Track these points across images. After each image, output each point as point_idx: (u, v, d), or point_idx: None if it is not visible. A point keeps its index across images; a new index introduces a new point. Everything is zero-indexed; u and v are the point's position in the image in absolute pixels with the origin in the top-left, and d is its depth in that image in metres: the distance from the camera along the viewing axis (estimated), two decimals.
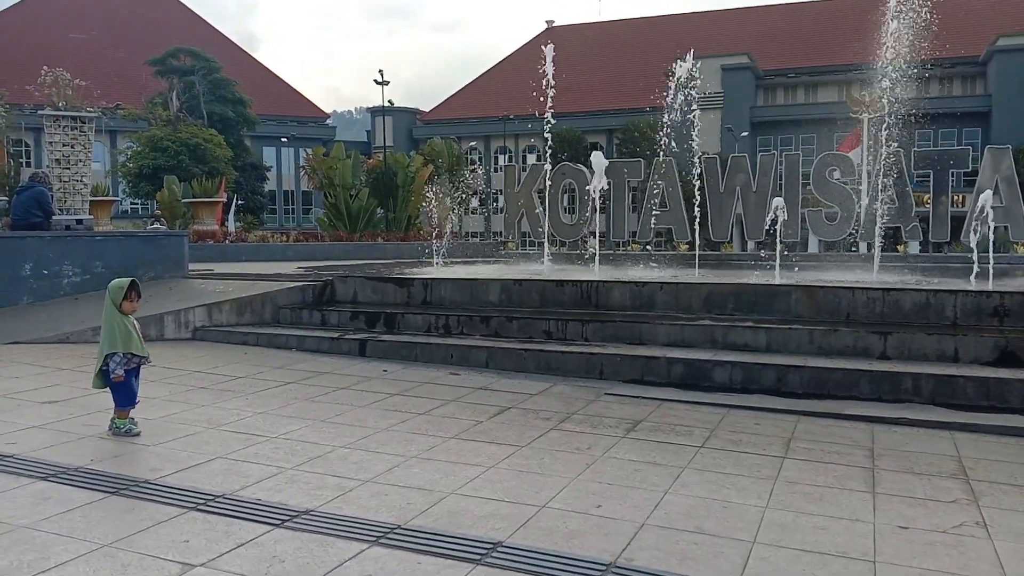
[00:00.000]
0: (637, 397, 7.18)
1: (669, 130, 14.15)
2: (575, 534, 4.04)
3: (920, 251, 28.49)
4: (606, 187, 13.81)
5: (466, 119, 74.13)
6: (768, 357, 7.68)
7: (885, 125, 14.70)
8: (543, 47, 15.80)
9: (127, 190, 41.89)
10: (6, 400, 6.65)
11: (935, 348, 7.52)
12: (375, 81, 40.10)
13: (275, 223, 66.93)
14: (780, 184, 15.64)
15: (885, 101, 12.58)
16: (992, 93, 58.05)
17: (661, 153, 15.53)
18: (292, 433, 5.85)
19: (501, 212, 72.81)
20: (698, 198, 14.44)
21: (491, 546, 3.87)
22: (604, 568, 3.66)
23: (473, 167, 67.04)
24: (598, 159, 13.28)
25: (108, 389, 5.75)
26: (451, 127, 72.36)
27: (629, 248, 18.19)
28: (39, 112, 11.21)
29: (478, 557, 3.74)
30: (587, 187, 13.49)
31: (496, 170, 73.59)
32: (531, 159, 71.75)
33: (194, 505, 4.35)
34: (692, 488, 4.79)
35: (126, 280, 5.80)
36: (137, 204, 56.24)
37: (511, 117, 58.42)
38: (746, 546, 3.95)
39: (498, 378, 7.99)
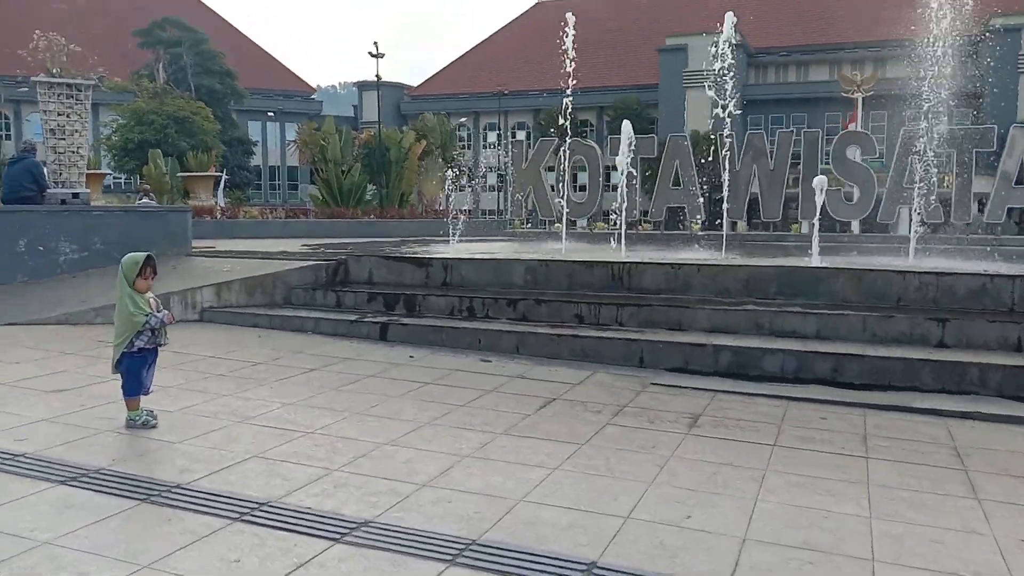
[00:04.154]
0: (686, 388, 6.75)
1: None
2: (674, 551, 3.60)
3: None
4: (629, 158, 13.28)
5: (455, 95, 73.04)
6: (820, 345, 7.25)
7: (906, 104, 14.30)
8: (563, 22, 15.21)
9: (112, 164, 40.86)
10: (9, 389, 6.11)
11: (997, 336, 7.12)
12: (370, 54, 39.20)
13: (260, 199, 65.85)
14: (798, 163, 15.19)
15: (931, 77, 12.05)
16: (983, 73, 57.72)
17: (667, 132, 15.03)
18: (329, 427, 5.37)
19: (491, 190, 71.91)
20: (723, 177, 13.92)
21: (585, 567, 3.42)
22: None
23: (462, 144, 66.21)
24: (627, 128, 12.70)
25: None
26: (440, 103, 71.26)
27: (639, 227, 17.74)
28: (32, 79, 10.55)
29: None
30: (619, 158, 12.92)
31: (485, 147, 72.80)
32: (520, 135, 71.11)
33: (237, 515, 3.87)
34: (781, 494, 4.36)
35: (141, 255, 5.27)
36: (120, 179, 55.11)
37: (505, 92, 57.62)
38: (866, 566, 3.53)
39: (532, 365, 7.52)
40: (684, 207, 15.90)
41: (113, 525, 3.72)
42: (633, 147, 13.29)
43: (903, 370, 6.77)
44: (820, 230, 11.55)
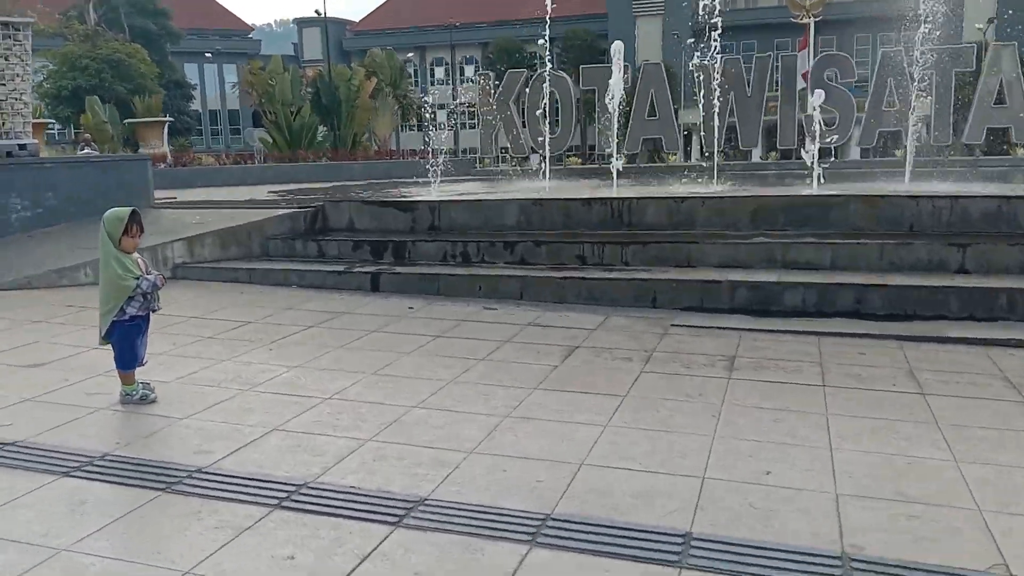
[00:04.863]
0: (710, 328, 6.44)
1: None
2: (768, 514, 3.28)
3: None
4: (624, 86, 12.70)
5: (399, 29, 70.66)
6: (839, 276, 6.99)
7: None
8: None
9: (46, 113, 38.66)
10: None
11: (1018, 260, 6.93)
12: None
13: (203, 145, 63.39)
14: (777, 88, 14.83)
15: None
16: None
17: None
18: (346, 391, 4.93)
19: (441, 128, 70.44)
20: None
21: (682, 539, 3.08)
22: (838, 561, 2.93)
23: (410, 81, 64.31)
24: (619, 47, 12.08)
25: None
26: (384, 38, 68.66)
27: (616, 161, 17.27)
28: None
29: (675, 557, 2.95)
30: (609, 84, 12.33)
31: (432, 83, 70.94)
32: (468, 71, 69.52)
33: (276, 501, 3.44)
34: (854, 441, 4.07)
35: (125, 210, 4.67)
36: (53, 129, 52.36)
37: (456, 25, 55.88)
38: (974, 516, 3.26)
39: (540, 311, 7.13)
40: (661, 138, 15.51)
41: (137, 523, 3.27)
42: (623, 75, 12.72)
43: (928, 298, 6.56)
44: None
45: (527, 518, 3.27)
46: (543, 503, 3.40)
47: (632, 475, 3.68)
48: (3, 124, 9.68)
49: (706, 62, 13.44)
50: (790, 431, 4.22)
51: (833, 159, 17.51)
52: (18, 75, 9.62)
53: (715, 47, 11.28)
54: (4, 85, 9.63)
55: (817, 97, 10.46)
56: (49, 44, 37.66)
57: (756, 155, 33.85)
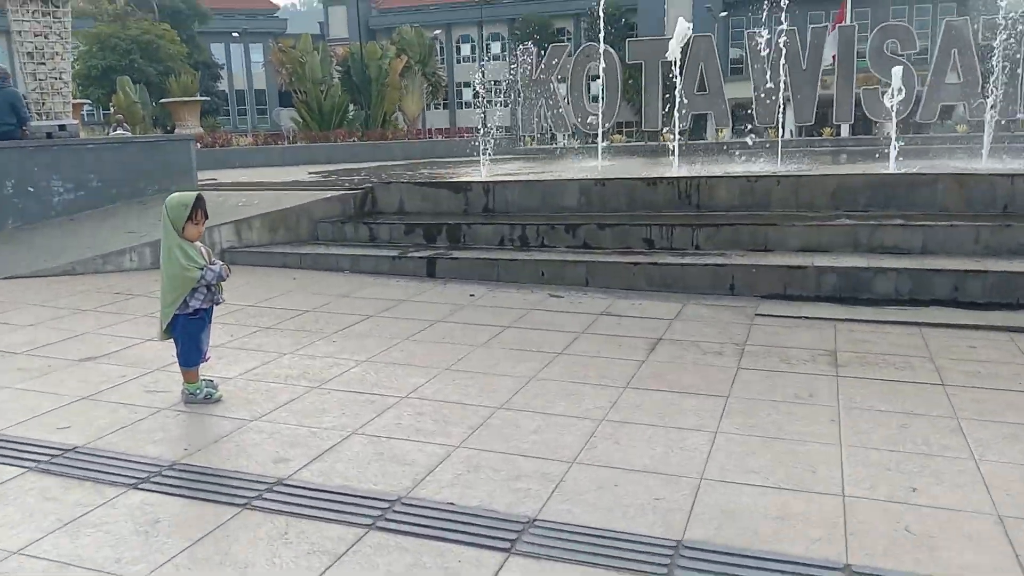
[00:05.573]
0: (798, 317, 6.01)
1: None
2: (929, 542, 2.88)
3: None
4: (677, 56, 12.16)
5: (426, 6, 69.94)
6: (932, 260, 6.52)
7: None
8: None
9: (76, 94, 38.65)
10: (32, 359, 5.23)
11: None
12: None
13: (230, 125, 63.32)
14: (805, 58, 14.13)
15: None
16: None
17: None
18: (422, 390, 4.58)
19: (467, 107, 69.57)
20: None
21: (840, 573, 2.69)
22: None
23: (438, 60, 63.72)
24: (681, 26, 11.52)
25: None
26: (410, 15, 68.07)
27: (662, 139, 16.76)
28: None
29: None
30: (668, 53, 11.82)
31: (459, 61, 70.28)
32: (495, 48, 68.80)
33: (369, 520, 3.09)
34: (999, 451, 3.66)
35: (189, 195, 4.31)
36: (84, 111, 52.39)
37: (489, 0, 55.22)
38: None
39: (611, 299, 6.73)
40: (710, 114, 14.97)
41: (219, 546, 2.93)
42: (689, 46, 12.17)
43: None
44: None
45: (656, 545, 2.89)
46: (670, 527, 3.02)
47: (761, 492, 3.29)
48: (43, 104, 9.40)
49: (756, 31, 12.86)
50: (923, 439, 3.80)
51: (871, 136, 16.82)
52: (58, 53, 9.32)
53: (778, 16, 10.63)
54: (44, 64, 9.33)
55: (896, 75, 9.83)
56: (78, 24, 37.58)
57: (791, 132, 33.03)
